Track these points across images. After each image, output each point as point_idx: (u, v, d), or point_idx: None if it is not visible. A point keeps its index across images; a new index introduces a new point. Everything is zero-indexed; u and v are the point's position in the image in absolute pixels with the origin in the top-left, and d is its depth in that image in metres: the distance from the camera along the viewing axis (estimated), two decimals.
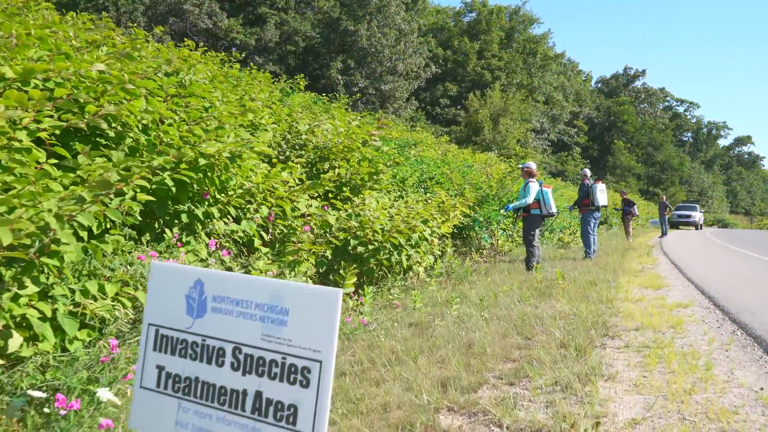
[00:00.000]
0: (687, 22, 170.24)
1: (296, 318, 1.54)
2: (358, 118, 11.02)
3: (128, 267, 4.09)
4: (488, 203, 12.96)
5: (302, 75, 15.02)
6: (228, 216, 5.54)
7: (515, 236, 14.05)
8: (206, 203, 5.52)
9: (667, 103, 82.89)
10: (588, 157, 60.81)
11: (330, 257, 6.92)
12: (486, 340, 4.43)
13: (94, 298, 3.73)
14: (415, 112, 46.57)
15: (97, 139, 4.86)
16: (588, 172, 12.61)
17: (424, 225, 7.40)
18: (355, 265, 6.96)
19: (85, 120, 3.80)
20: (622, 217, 19.26)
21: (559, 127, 55.86)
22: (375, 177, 8.03)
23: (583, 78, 70.30)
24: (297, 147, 8.30)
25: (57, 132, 3.80)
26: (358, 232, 6.84)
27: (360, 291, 7.25)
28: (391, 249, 6.93)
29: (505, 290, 7.12)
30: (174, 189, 4.75)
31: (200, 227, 5.32)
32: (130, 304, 3.77)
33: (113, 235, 3.69)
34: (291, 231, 6.34)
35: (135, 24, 37.40)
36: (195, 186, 5.23)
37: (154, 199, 4.17)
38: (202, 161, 4.86)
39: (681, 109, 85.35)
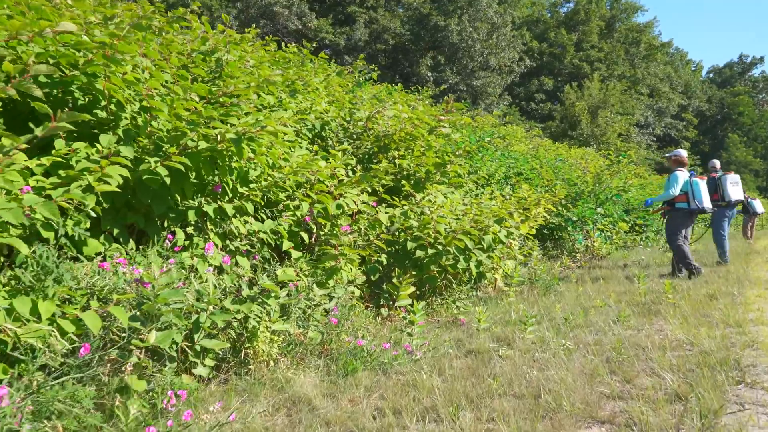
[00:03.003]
0: None
1: None
2: (425, 102, 9.82)
3: (85, 279, 3.17)
4: (583, 200, 11.45)
5: (374, 65, 14.00)
6: (250, 213, 4.55)
7: (615, 238, 12.42)
8: (225, 197, 4.58)
9: None
10: (698, 152, 56.39)
11: (385, 263, 5.85)
12: (564, 384, 3.19)
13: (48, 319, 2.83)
14: (509, 107, 44.76)
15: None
16: (717, 163, 10.73)
17: (498, 225, 6.15)
18: (415, 272, 5.86)
19: (10, 86, 2.90)
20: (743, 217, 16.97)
21: (665, 120, 52.12)
22: (443, 169, 6.85)
23: (693, 68, 65.52)
24: (355, 137, 7.27)
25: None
26: (416, 233, 5.71)
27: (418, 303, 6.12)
28: (456, 253, 5.75)
29: (598, 305, 5.77)
30: (168, 180, 3.82)
31: (211, 227, 4.36)
32: (73, 328, 2.83)
33: (5, 237, 2.74)
34: (331, 233, 5.31)
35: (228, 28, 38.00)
36: (203, 176, 4.30)
37: (117, 190, 3.24)
38: (203, 145, 3.90)
39: None
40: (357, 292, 5.36)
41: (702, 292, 6.57)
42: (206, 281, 3.88)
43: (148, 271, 3.14)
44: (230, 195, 4.63)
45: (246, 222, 4.78)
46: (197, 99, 4.64)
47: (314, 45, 10.85)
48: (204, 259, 4.17)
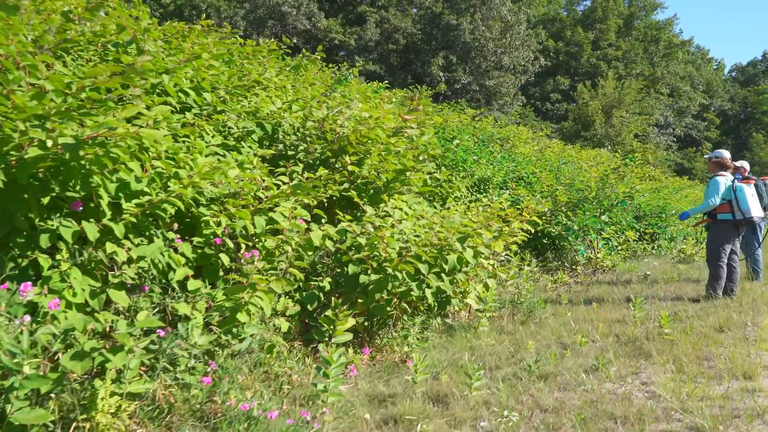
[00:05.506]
0: None
1: None
2: (393, 99, 8.80)
3: None
4: (584, 207, 10.40)
5: (360, 63, 13.10)
6: (119, 237, 3.62)
7: (621, 248, 11.36)
8: (104, 216, 3.68)
9: None
10: None
11: (328, 288, 4.93)
12: None
13: None
14: (523, 108, 43.66)
15: None
16: (747, 164, 9.36)
17: (461, 243, 5.16)
18: (362, 301, 4.93)
19: None
20: None
21: (686, 120, 50.52)
22: (402, 177, 5.88)
23: (715, 66, 63.67)
24: (309, 140, 6.32)
25: None
26: (357, 255, 4.79)
27: (366, 338, 5.17)
28: (408, 279, 4.79)
29: (580, 341, 4.78)
30: None
31: (66, 253, 3.45)
32: None
33: None
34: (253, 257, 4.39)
35: (236, 29, 37.43)
36: (54, 189, 3.40)
37: None
38: (33, 152, 2.99)
39: None
40: (284, 326, 4.45)
41: (709, 321, 5.54)
42: (54, 325, 2.98)
43: None
44: (108, 214, 3.72)
45: (137, 244, 3.89)
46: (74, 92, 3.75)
47: (293, 41, 9.92)
48: (62, 296, 3.29)
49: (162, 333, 3.25)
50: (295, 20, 37.95)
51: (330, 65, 13.12)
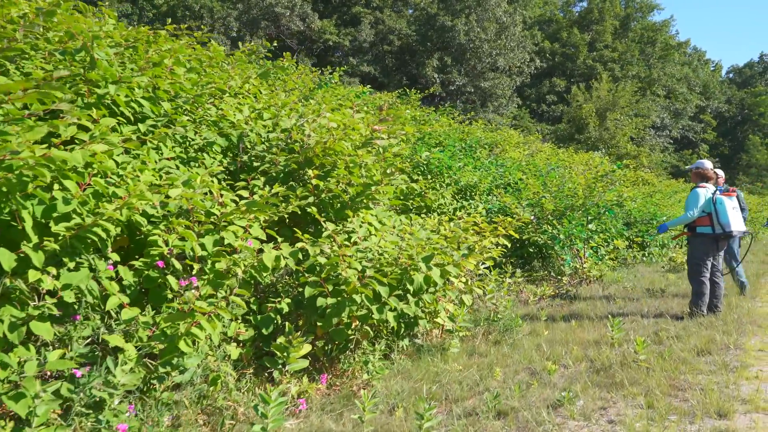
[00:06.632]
0: None
1: None
2: (365, 108, 8.48)
3: None
4: (570, 216, 10.12)
5: (341, 67, 12.82)
6: (37, 267, 3.34)
7: (607, 258, 11.07)
8: (30, 242, 3.40)
9: None
10: (717, 154, 54.35)
11: (287, 310, 4.67)
12: None
13: None
14: (519, 110, 43.46)
15: None
16: (722, 173, 9.03)
17: (426, 263, 4.88)
18: (321, 324, 4.65)
19: None
20: None
21: (682, 122, 50.29)
22: (368, 191, 5.58)
23: (712, 68, 63.46)
24: (272, 150, 6.04)
25: None
26: (311, 278, 4.52)
27: (326, 363, 4.89)
28: (367, 302, 4.52)
29: (550, 368, 4.50)
30: None
31: None
32: None
33: None
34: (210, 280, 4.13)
35: (229, 30, 37.11)
36: None
37: None
38: None
39: None
40: (235, 354, 4.19)
41: (690, 343, 5.27)
42: None
43: None
44: (34, 238, 3.45)
45: (69, 269, 3.61)
46: None
47: (273, 45, 9.64)
48: None
49: (78, 373, 2.97)
50: (288, 21, 37.73)
51: (314, 69, 12.85)
